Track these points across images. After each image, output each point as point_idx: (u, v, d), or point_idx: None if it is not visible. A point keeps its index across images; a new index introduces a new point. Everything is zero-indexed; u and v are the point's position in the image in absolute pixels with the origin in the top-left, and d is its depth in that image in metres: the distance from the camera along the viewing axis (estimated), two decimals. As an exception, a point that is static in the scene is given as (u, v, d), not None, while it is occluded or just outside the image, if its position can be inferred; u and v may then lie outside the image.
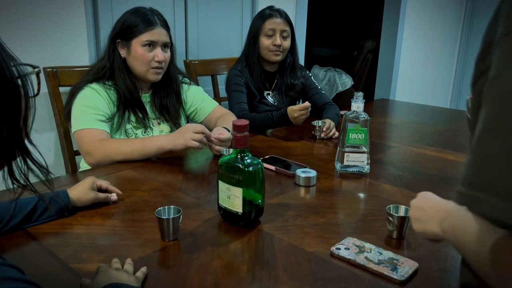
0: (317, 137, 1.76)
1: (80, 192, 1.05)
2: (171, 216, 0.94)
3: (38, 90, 0.60)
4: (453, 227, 0.62)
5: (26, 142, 0.59)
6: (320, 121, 1.78)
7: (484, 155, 0.43)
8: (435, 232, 0.68)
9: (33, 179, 0.62)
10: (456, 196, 0.46)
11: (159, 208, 0.96)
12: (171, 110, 1.61)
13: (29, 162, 0.60)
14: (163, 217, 0.94)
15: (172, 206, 0.97)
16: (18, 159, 0.59)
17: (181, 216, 0.94)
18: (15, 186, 0.60)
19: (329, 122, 1.77)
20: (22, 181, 0.60)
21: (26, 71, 0.58)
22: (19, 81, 0.57)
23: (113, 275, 0.77)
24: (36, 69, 0.60)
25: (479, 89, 0.49)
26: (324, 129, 1.75)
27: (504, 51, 0.45)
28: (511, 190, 0.39)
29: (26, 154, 0.59)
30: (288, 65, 1.99)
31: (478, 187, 0.42)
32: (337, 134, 1.77)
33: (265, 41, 1.90)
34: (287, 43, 1.92)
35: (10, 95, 0.55)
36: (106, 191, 1.12)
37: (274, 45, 1.88)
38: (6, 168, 0.58)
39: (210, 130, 1.46)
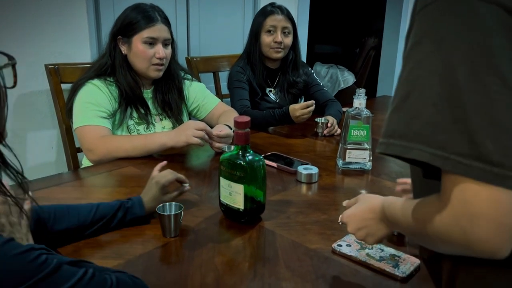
0: (319, 134, 1.75)
1: (153, 199, 1.00)
2: (173, 213, 0.94)
3: (15, 82, 0.57)
4: (391, 214, 0.66)
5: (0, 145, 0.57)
6: (322, 118, 1.78)
7: (411, 111, 0.50)
8: (387, 232, 0.72)
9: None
10: (385, 147, 0.53)
11: (161, 205, 0.96)
12: (173, 106, 1.60)
13: (1, 165, 0.57)
14: (164, 213, 0.94)
15: (174, 203, 0.97)
16: None
17: (182, 212, 0.95)
18: None
19: (332, 119, 1.77)
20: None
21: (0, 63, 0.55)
22: None
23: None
24: (11, 61, 0.57)
25: None
26: (329, 125, 1.74)
27: (421, 22, 0.52)
28: (433, 138, 0.48)
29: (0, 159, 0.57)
30: (290, 62, 1.98)
31: (408, 137, 0.50)
32: (339, 131, 1.76)
33: (266, 38, 1.89)
34: (288, 40, 1.91)
35: None
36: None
37: (275, 42, 1.87)
38: None
39: (212, 127, 1.46)
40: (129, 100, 1.50)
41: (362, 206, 0.76)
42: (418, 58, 0.51)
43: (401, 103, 0.52)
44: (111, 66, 1.50)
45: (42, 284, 0.53)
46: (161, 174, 1.04)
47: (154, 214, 0.99)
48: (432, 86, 0.49)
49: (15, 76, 0.57)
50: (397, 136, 0.52)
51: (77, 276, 0.57)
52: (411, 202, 0.59)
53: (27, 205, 0.77)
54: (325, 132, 1.74)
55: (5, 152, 0.58)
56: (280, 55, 1.91)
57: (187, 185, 1.08)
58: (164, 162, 1.12)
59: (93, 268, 0.61)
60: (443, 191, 0.50)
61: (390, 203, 0.67)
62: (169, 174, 1.04)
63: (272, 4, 1.92)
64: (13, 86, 0.57)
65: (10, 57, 0.57)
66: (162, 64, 1.50)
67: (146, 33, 1.45)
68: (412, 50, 0.53)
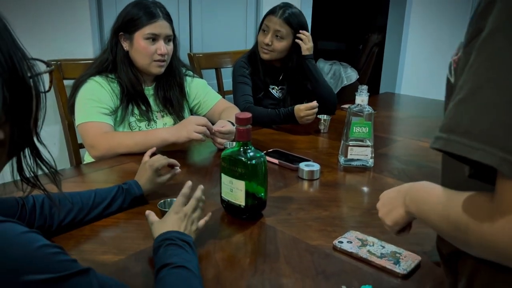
0: (322, 131, 1.75)
1: (148, 181, 1.06)
2: None
3: (50, 87, 0.61)
4: (415, 198, 0.64)
5: (36, 141, 0.59)
6: (325, 115, 1.77)
7: (481, 106, 0.45)
8: (402, 214, 0.69)
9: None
10: (444, 143, 0.48)
11: (162, 201, 0.97)
12: (175, 102, 1.60)
13: (38, 161, 0.60)
14: (165, 209, 0.94)
15: (175, 198, 0.97)
16: (27, 157, 0.59)
17: None
18: (23, 183, 0.60)
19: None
20: (31, 180, 0.60)
21: (39, 70, 0.57)
22: (31, 81, 0.56)
23: (169, 221, 0.83)
24: (50, 68, 0.60)
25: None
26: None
27: (505, 7, 0.46)
28: (505, 140, 0.42)
29: (36, 154, 0.59)
30: (293, 67, 1.90)
31: (473, 135, 0.45)
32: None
33: (260, 36, 1.87)
34: (279, 45, 1.83)
35: (22, 95, 0.54)
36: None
37: (263, 42, 1.83)
38: (16, 166, 0.59)
39: (213, 123, 1.46)
40: (131, 97, 1.50)
41: (399, 186, 0.73)
42: (495, 48, 0.46)
43: (470, 96, 0.46)
44: (113, 62, 1.50)
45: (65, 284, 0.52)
46: (154, 158, 1.10)
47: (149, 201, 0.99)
48: (510, 82, 0.43)
49: (51, 81, 0.61)
50: (461, 132, 0.46)
51: None
52: (450, 192, 0.55)
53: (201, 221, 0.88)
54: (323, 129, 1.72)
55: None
56: (267, 56, 1.86)
57: (178, 168, 1.13)
58: (154, 149, 1.18)
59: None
60: (502, 197, 0.45)
61: (420, 187, 0.64)
62: (162, 158, 1.10)
63: (280, 5, 1.86)
64: (48, 91, 0.60)
65: (48, 64, 0.60)
66: (163, 61, 1.50)
67: (147, 29, 1.45)
68: (488, 39, 0.47)
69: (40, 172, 0.62)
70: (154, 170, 1.07)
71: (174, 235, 0.79)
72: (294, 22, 1.83)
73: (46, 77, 0.61)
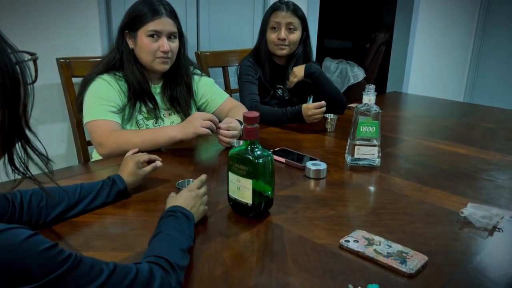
0: (328, 130, 1.75)
1: (130, 174, 1.10)
2: None
3: (36, 77, 0.61)
4: None
5: (26, 130, 0.60)
6: (331, 114, 1.77)
7: None
8: None
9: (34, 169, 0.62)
10: None
11: (180, 180, 1.07)
12: (182, 102, 1.61)
13: (29, 150, 0.61)
14: (183, 188, 1.03)
15: (191, 180, 1.06)
16: (18, 147, 0.60)
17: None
18: (15, 174, 0.61)
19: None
20: (22, 169, 0.61)
21: (23, 58, 0.59)
22: (18, 68, 0.58)
23: (182, 197, 0.94)
24: (33, 56, 0.61)
25: None
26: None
27: None
28: None
29: (26, 141, 0.60)
30: (298, 58, 1.95)
31: None
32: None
33: (270, 35, 1.88)
34: (293, 36, 1.87)
35: (10, 81, 0.56)
36: (148, 164, 1.17)
37: (279, 39, 1.85)
38: (6, 156, 0.60)
39: (221, 121, 1.46)
40: (138, 95, 1.51)
41: None
42: None
43: None
44: (119, 60, 1.51)
45: (69, 277, 0.56)
46: (136, 154, 1.18)
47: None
48: None
49: (36, 70, 0.61)
50: None
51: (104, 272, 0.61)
52: None
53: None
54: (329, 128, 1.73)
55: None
56: (284, 51, 1.89)
57: (159, 162, 1.17)
58: (136, 149, 1.24)
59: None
60: None
61: None
62: (143, 154, 1.16)
63: (280, 0, 1.91)
64: (34, 81, 0.61)
65: (32, 53, 0.61)
66: (167, 58, 1.50)
67: (150, 26, 1.45)
68: None
69: (33, 168, 0.62)
70: (135, 162, 1.11)
71: (177, 209, 0.88)
72: (300, 12, 1.90)
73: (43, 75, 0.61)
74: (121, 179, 1.08)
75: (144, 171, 1.13)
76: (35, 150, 0.61)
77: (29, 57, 0.60)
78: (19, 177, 0.61)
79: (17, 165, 0.60)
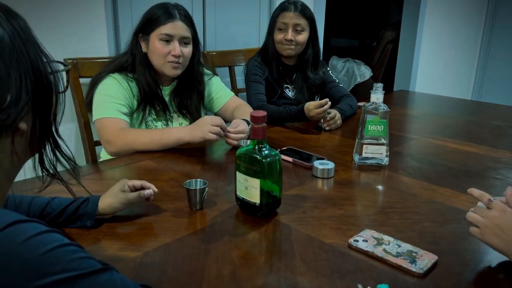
0: (322, 128, 1.74)
1: (110, 195, 0.97)
2: (198, 188, 1.03)
3: (67, 86, 0.65)
4: None
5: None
6: (331, 111, 1.75)
7: None
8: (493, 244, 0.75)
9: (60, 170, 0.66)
10: None
11: (188, 180, 1.05)
12: (192, 110, 1.60)
13: (57, 153, 0.64)
14: (190, 188, 1.03)
15: (199, 180, 1.06)
16: (47, 150, 0.63)
17: (206, 188, 1.04)
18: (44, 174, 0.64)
19: (334, 113, 1.74)
20: (51, 171, 0.64)
21: (58, 68, 0.62)
22: (52, 78, 0.60)
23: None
24: (66, 67, 0.64)
25: None
26: (328, 118, 1.72)
27: None
28: None
29: (55, 146, 0.64)
30: (308, 58, 1.94)
31: None
32: (339, 122, 1.74)
33: (277, 35, 1.87)
34: (301, 37, 1.86)
35: (44, 90, 0.59)
36: (141, 190, 1.02)
37: (286, 39, 1.85)
38: (37, 157, 0.63)
39: (225, 119, 1.46)
40: (148, 98, 1.51)
41: None
42: None
43: None
44: (132, 64, 1.51)
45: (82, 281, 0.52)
46: (132, 180, 1.02)
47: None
48: None
49: (67, 80, 0.65)
50: None
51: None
52: None
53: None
54: (324, 126, 1.72)
55: None
56: (291, 52, 1.88)
57: (150, 190, 1.00)
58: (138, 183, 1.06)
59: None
60: None
61: None
62: (137, 181, 1.02)
63: (288, 0, 1.89)
64: (65, 90, 0.64)
65: (65, 64, 0.65)
66: (178, 62, 1.49)
67: (163, 30, 1.45)
68: None
69: (60, 169, 0.65)
70: (121, 185, 0.98)
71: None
72: (308, 13, 1.88)
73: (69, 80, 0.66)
74: (94, 202, 0.95)
75: (125, 195, 0.97)
76: (63, 154, 0.65)
77: (63, 67, 0.64)
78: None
79: (47, 166, 0.64)
